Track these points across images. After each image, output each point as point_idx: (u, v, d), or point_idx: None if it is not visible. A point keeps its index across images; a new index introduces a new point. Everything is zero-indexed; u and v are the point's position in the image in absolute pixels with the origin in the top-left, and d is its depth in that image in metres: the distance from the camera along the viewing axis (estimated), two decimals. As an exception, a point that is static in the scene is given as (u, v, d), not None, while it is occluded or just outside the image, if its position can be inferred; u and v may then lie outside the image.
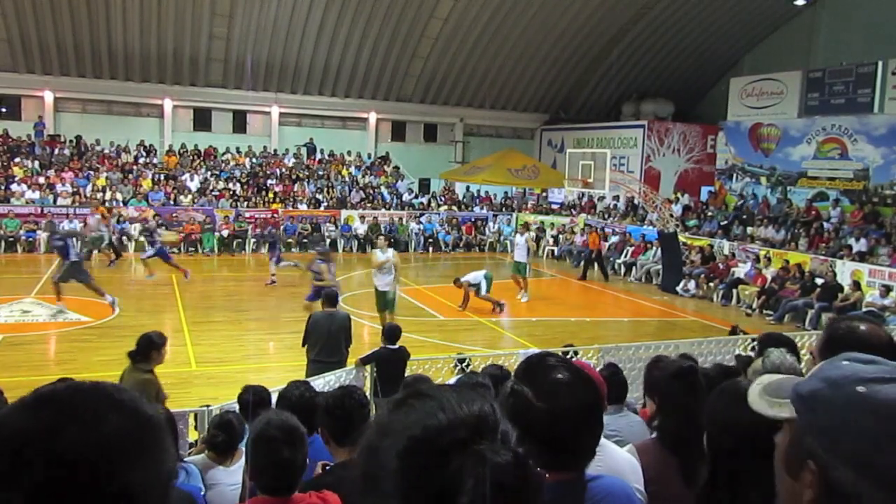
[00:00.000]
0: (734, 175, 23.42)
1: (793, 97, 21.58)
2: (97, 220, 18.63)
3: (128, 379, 5.52)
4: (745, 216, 21.33)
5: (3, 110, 24.69)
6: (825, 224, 18.95)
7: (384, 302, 12.01)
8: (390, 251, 12.22)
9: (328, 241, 23.12)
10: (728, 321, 14.53)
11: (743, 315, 15.97)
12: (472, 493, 0.86)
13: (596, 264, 19.87)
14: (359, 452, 0.99)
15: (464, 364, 7.53)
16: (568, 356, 6.34)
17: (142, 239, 18.13)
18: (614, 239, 21.85)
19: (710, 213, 22.37)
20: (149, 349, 5.59)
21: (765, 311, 15.87)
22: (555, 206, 27.43)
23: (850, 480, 0.87)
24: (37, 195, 21.68)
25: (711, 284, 17.68)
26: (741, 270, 17.69)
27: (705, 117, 27.07)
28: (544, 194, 28.57)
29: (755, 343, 5.59)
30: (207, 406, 5.85)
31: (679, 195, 24.16)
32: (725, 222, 21.17)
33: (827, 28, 23.07)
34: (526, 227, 19.55)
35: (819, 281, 15.58)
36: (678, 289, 17.89)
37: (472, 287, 14.68)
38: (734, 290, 17.17)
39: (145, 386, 5.42)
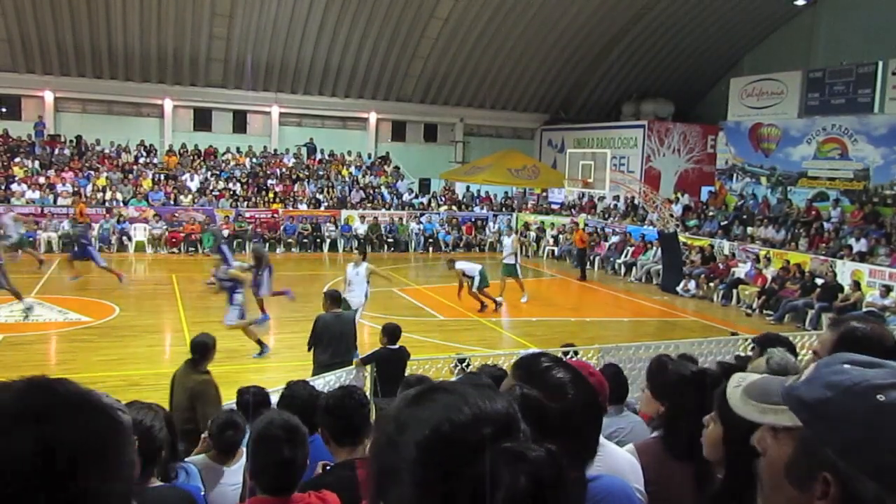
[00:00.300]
0: (734, 175, 23.41)
1: (793, 97, 21.57)
2: (11, 218, 18.61)
3: (183, 380, 5.74)
4: (745, 216, 21.32)
5: (3, 110, 24.68)
6: (825, 224, 18.94)
7: None
8: (363, 266, 11.44)
9: (328, 240, 23.14)
10: (728, 321, 14.55)
11: (743, 315, 15.97)
12: (510, 490, 0.85)
13: (584, 262, 19.93)
14: (372, 449, 0.96)
15: (464, 364, 7.53)
16: (568, 356, 6.35)
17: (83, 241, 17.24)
18: (614, 239, 21.85)
19: (710, 213, 22.37)
20: (206, 352, 5.85)
21: (765, 312, 15.86)
22: (555, 207, 27.42)
23: (873, 491, 0.86)
24: (37, 195, 21.69)
25: (711, 284, 17.68)
26: (741, 270, 17.69)
27: (705, 117, 27.06)
28: (544, 194, 28.56)
29: (753, 344, 5.58)
30: (208, 406, 5.86)
31: (679, 195, 24.15)
32: (725, 222, 21.16)
33: (827, 28, 23.06)
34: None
35: (819, 281, 15.57)
36: (678, 289, 17.89)
37: (468, 279, 14.63)
38: (734, 291, 17.17)
39: (206, 386, 5.65)
